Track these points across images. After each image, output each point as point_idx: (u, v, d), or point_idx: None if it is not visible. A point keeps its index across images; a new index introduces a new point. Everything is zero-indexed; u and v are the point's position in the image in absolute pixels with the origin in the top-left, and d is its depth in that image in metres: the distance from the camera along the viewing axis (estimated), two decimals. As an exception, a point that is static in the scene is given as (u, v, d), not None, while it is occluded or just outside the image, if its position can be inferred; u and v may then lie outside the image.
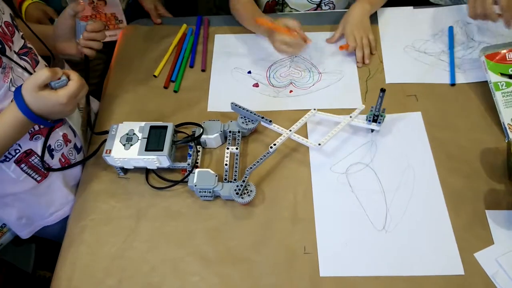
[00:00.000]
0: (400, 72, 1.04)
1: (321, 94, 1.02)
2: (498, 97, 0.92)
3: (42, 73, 0.67)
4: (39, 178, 0.84)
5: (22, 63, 0.78)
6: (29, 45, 0.82)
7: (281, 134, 0.89)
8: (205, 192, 0.84)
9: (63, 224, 0.90)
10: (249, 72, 1.08)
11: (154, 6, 1.23)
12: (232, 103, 0.93)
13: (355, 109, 0.98)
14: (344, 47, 1.05)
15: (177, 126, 0.92)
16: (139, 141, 0.84)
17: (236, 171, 0.87)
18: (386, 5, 1.17)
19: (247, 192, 0.83)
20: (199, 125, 0.92)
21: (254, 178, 0.88)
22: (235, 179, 0.86)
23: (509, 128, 0.89)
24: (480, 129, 0.93)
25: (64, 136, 0.88)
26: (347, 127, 0.94)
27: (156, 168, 0.87)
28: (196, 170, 0.86)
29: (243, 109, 0.92)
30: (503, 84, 0.92)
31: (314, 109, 0.92)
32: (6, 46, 0.73)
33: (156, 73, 1.09)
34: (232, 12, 1.16)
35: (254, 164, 0.83)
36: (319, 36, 1.13)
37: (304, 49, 1.00)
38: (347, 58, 1.08)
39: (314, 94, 1.02)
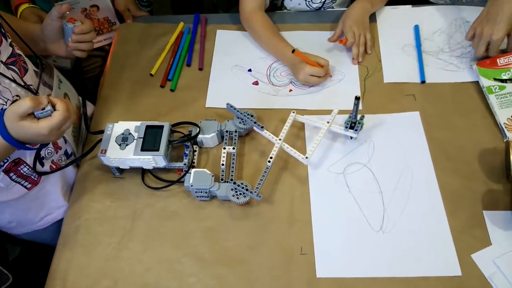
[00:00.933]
0: (399, 71, 1.03)
1: (320, 94, 1.02)
2: (492, 99, 0.92)
3: (24, 102, 0.64)
4: (29, 186, 0.83)
5: (9, 73, 0.75)
6: (18, 52, 0.80)
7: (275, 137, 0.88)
8: (201, 192, 0.84)
9: (55, 228, 0.89)
10: (250, 70, 1.07)
11: (126, 8, 1.21)
12: (227, 104, 0.92)
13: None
14: (343, 41, 1.04)
15: (173, 125, 0.91)
16: (134, 140, 0.84)
17: (232, 171, 0.87)
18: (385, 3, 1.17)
19: (244, 193, 0.82)
20: (196, 125, 0.91)
21: (251, 179, 0.88)
22: (231, 179, 0.86)
23: (506, 127, 0.89)
24: (478, 129, 0.93)
25: (55, 143, 0.87)
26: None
27: (152, 168, 0.86)
28: (193, 170, 0.85)
29: (238, 110, 0.91)
30: (496, 87, 0.93)
31: (293, 112, 0.91)
32: None
33: (152, 72, 1.08)
34: (246, 28, 1.13)
35: (261, 180, 0.83)
36: (320, 36, 1.12)
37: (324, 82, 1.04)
38: (348, 59, 1.07)
39: (314, 94, 1.02)
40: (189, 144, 0.89)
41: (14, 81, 0.76)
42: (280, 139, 0.87)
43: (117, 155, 0.82)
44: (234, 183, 0.83)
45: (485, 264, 0.76)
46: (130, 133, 0.84)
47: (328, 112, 0.97)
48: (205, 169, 0.85)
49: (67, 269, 0.80)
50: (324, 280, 0.77)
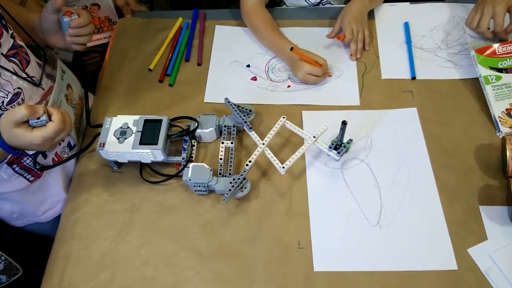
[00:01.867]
0: (396, 68, 1.04)
1: (319, 90, 1.02)
2: (489, 90, 0.92)
3: (19, 110, 0.63)
4: (31, 178, 0.83)
5: (10, 65, 0.75)
6: (20, 43, 0.80)
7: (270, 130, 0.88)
8: (199, 186, 0.84)
9: (56, 220, 0.89)
10: (248, 66, 1.07)
11: (125, 3, 1.20)
12: (225, 99, 0.92)
13: (351, 106, 0.98)
14: (341, 37, 1.05)
15: (172, 120, 0.91)
16: (133, 134, 0.84)
17: (231, 166, 0.87)
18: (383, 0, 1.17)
19: (242, 187, 0.83)
20: (194, 119, 0.91)
21: (249, 173, 0.88)
22: (230, 174, 0.86)
23: (500, 120, 0.90)
24: (475, 125, 0.93)
25: None
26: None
27: (150, 162, 0.86)
28: (191, 164, 0.85)
29: (233, 107, 0.91)
30: (493, 77, 0.93)
31: (283, 117, 0.89)
32: None
33: (151, 67, 1.08)
34: (246, 23, 1.13)
35: (236, 181, 0.82)
36: (318, 32, 1.12)
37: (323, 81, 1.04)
38: (346, 56, 1.08)
39: (312, 89, 1.02)
40: (187, 138, 0.89)
41: (15, 73, 0.75)
42: (263, 143, 0.86)
43: (116, 149, 0.82)
44: (234, 179, 0.83)
45: (481, 258, 0.76)
46: (128, 127, 0.84)
47: (325, 108, 0.97)
48: (203, 164, 0.85)
49: (65, 262, 0.80)
50: (321, 274, 0.77)
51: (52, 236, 0.86)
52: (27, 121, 0.66)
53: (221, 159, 0.87)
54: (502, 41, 0.98)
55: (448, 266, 0.76)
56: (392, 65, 1.05)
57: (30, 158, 0.81)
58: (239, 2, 1.13)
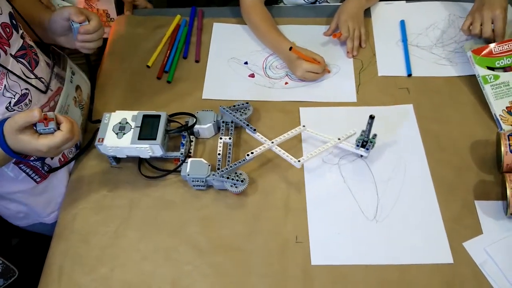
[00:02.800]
0: (393, 65, 1.05)
1: (316, 87, 1.03)
2: (488, 90, 0.93)
3: (18, 117, 0.63)
4: (38, 179, 0.84)
5: (18, 66, 0.75)
6: (29, 43, 0.79)
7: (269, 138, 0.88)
8: (198, 181, 0.84)
9: None
10: (246, 63, 1.08)
11: None
12: (221, 107, 0.93)
13: (348, 102, 0.99)
14: (338, 35, 1.06)
15: (170, 116, 0.92)
16: (132, 130, 0.84)
17: (229, 161, 0.87)
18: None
19: (240, 182, 0.83)
20: (193, 115, 0.92)
21: (247, 168, 0.88)
22: (222, 176, 0.86)
23: (502, 119, 0.91)
24: (471, 121, 0.94)
25: None
26: (341, 120, 0.95)
27: (149, 157, 0.87)
28: (189, 160, 0.86)
29: (230, 113, 0.91)
30: (491, 77, 0.94)
31: (303, 126, 0.90)
32: (1, 51, 0.70)
33: (149, 64, 1.08)
34: (245, 21, 1.14)
35: (231, 166, 0.83)
36: (315, 30, 1.13)
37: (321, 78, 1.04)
38: (343, 53, 1.09)
39: (309, 86, 1.03)
40: (185, 134, 0.90)
41: (23, 74, 0.75)
42: (272, 142, 0.86)
43: (114, 144, 0.83)
44: (228, 177, 0.84)
45: (477, 252, 0.77)
46: (127, 122, 0.85)
47: (322, 104, 0.98)
48: (201, 159, 0.86)
49: (64, 257, 0.80)
50: (318, 267, 0.78)
51: (49, 234, 0.86)
52: (32, 127, 0.65)
53: (219, 154, 0.88)
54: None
55: (444, 260, 0.77)
56: (389, 62, 1.06)
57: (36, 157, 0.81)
58: (235, 0, 1.14)
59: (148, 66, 1.08)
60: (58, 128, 0.67)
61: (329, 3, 1.21)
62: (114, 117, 0.86)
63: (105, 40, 1.16)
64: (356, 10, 1.09)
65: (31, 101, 0.78)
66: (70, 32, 0.83)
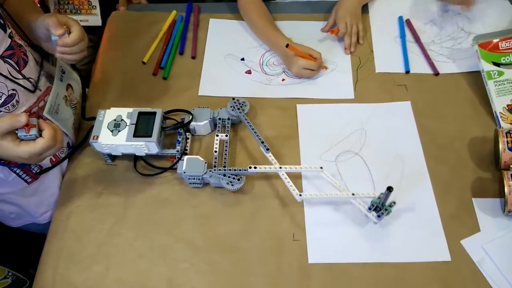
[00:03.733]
0: (390, 62, 1.04)
1: (313, 83, 1.02)
2: (491, 86, 0.93)
3: (1, 122, 0.61)
4: (29, 180, 0.82)
5: (5, 66, 0.73)
6: (19, 42, 0.77)
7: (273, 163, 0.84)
8: (194, 179, 0.83)
9: None
10: (243, 59, 1.07)
11: None
12: (234, 105, 0.90)
13: (346, 99, 0.98)
14: (335, 31, 1.05)
15: (166, 113, 0.91)
16: (127, 127, 0.83)
17: (225, 159, 0.87)
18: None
19: (237, 180, 0.82)
20: (189, 112, 0.91)
21: (244, 166, 0.88)
22: (224, 167, 0.86)
23: (501, 116, 0.90)
24: (468, 118, 0.94)
25: None
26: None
27: (144, 154, 0.86)
28: (185, 157, 0.85)
29: (248, 122, 0.89)
30: (495, 73, 0.93)
31: (321, 168, 0.83)
32: None
33: (145, 60, 1.07)
34: (242, 16, 1.13)
35: (230, 169, 0.82)
36: (313, 26, 1.12)
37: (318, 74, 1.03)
38: (341, 49, 1.08)
39: (306, 83, 1.02)
40: (181, 131, 0.89)
41: (10, 74, 0.73)
42: (280, 168, 0.83)
43: (109, 141, 0.82)
44: (224, 175, 0.83)
45: (474, 249, 0.77)
46: (122, 119, 0.84)
47: (319, 101, 0.97)
48: (198, 156, 0.85)
49: (58, 255, 0.80)
50: (315, 265, 0.77)
51: (44, 232, 0.85)
52: (14, 132, 0.64)
53: (215, 151, 0.87)
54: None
55: (442, 258, 0.77)
56: (386, 59, 1.05)
57: None
58: None
59: (143, 62, 1.07)
60: (40, 135, 0.65)
61: None
62: (109, 114, 0.84)
63: (100, 35, 1.15)
64: (354, 6, 1.08)
65: (18, 101, 0.76)
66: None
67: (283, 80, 1.03)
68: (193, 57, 1.08)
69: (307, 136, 0.92)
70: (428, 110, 0.96)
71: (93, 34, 1.22)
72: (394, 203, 0.78)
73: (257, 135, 0.86)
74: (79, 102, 0.94)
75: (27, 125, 0.64)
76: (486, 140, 0.90)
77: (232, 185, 0.82)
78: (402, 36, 1.08)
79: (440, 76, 1.01)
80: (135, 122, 0.83)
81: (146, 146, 0.82)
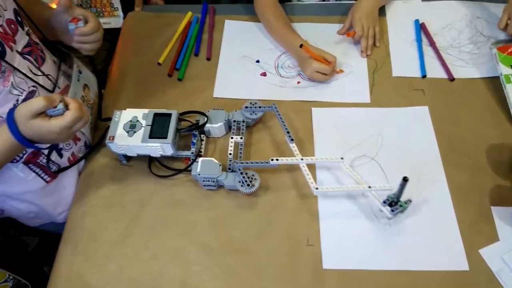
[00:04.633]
0: (407, 66, 1.03)
1: (329, 86, 1.01)
2: (509, 89, 0.91)
3: (37, 101, 0.63)
4: (48, 179, 0.83)
5: (25, 63, 0.74)
6: (35, 40, 0.79)
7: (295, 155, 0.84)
8: (208, 181, 0.83)
9: None
10: (258, 61, 1.07)
11: None
12: (273, 104, 0.90)
13: (362, 103, 0.97)
14: (351, 34, 1.04)
15: (181, 114, 0.91)
16: (142, 128, 0.83)
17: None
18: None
19: (251, 182, 0.82)
20: (204, 114, 0.91)
21: (258, 168, 0.87)
22: (239, 169, 0.85)
23: None
24: (487, 124, 0.92)
25: None
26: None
27: (159, 156, 0.86)
28: (200, 159, 0.85)
29: (280, 118, 0.89)
30: None
31: (342, 158, 0.84)
32: (6, 48, 0.70)
33: (160, 61, 1.07)
34: (259, 17, 1.13)
35: (252, 163, 0.82)
36: (329, 28, 1.12)
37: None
38: (357, 53, 1.07)
39: (322, 86, 1.01)
40: (196, 133, 0.89)
41: (30, 71, 0.75)
42: (302, 159, 0.83)
43: (125, 142, 0.82)
44: (241, 172, 0.83)
45: (493, 259, 0.75)
46: (138, 121, 0.84)
47: (335, 105, 0.96)
48: (212, 158, 0.85)
49: (73, 253, 0.80)
50: (330, 271, 0.76)
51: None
52: (43, 112, 0.65)
53: (230, 154, 0.87)
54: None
55: (459, 267, 0.75)
56: (403, 62, 1.04)
57: (45, 157, 0.80)
58: None
59: (159, 63, 1.07)
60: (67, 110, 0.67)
61: (341, 1, 1.19)
62: (125, 115, 0.85)
63: (115, 36, 1.16)
64: (371, 8, 1.07)
65: None
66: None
67: (298, 82, 1.03)
68: (208, 59, 1.08)
69: (322, 140, 0.91)
70: (446, 115, 0.94)
71: (109, 35, 1.23)
72: (410, 201, 0.77)
73: (284, 124, 0.87)
74: (95, 102, 0.95)
75: None
76: (504, 146, 0.88)
77: (247, 187, 0.81)
78: (418, 40, 1.07)
79: (458, 80, 1.00)
80: (150, 123, 0.83)
81: (161, 148, 0.82)
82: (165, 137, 0.81)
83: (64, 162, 0.86)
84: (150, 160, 0.90)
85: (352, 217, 0.82)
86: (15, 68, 0.71)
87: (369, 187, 0.80)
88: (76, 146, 0.88)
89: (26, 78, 0.73)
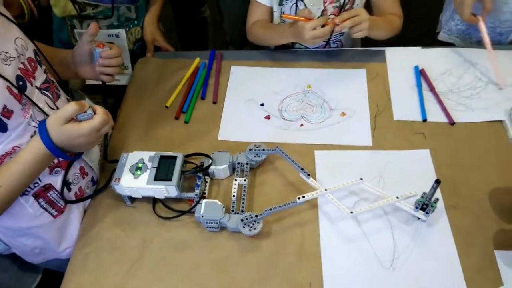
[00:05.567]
0: (408, 110, 1.05)
1: (331, 129, 1.03)
2: None
3: (70, 106, 0.69)
4: (55, 213, 0.85)
5: (43, 98, 0.80)
6: (51, 79, 0.85)
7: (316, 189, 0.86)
8: (212, 223, 0.84)
9: None
10: (262, 105, 1.10)
11: (152, 38, 1.26)
12: (277, 147, 0.93)
13: (364, 146, 0.99)
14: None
15: (186, 156, 0.93)
16: (148, 170, 0.85)
17: (243, 203, 0.87)
18: (394, 44, 1.20)
19: (254, 225, 0.83)
20: (208, 156, 0.93)
21: (261, 211, 0.88)
22: (242, 211, 0.86)
23: None
24: (488, 168, 0.93)
25: (81, 169, 0.90)
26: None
27: (164, 197, 0.87)
28: (204, 201, 0.86)
29: (288, 157, 0.91)
30: None
31: (361, 179, 0.87)
32: (27, 83, 0.76)
33: (168, 104, 1.11)
34: (250, 39, 1.22)
35: (276, 207, 0.82)
36: (332, 74, 1.15)
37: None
38: (359, 97, 1.09)
39: (325, 129, 1.03)
40: (201, 175, 0.90)
41: (48, 105, 0.80)
42: (326, 189, 0.85)
43: (131, 184, 0.84)
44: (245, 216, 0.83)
45: (498, 305, 0.74)
46: (144, 163, 0.86)
47: (337, 148, 0.98)
48: (216, 200, 0.86)
49: (74, 297, 0.80)
50: (333, 317, 0.75)
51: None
52: (73, 118, 0.71)
53: (234, 196, 0.88)
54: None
55: (464, 313, 0.74)
56: (404, 107, 1.06)
57: (56, 192, 0.83)
58: (250, 45, 1.18)
59: (166, 107, 1.11)
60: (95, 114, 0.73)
61: (341, 42, 1.24)
62: (132, 157, 0.87)
63: (123, 87, 1.20)
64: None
65: None
66: (91, 61, 0.92)
67: (301, 125, 1.05)
68: (214, 102, 1.12)
69: (325, 182, 0.92)
70: (448, 159, 0.95)
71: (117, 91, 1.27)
72: (437, 199, 0.81)
73: (295, 163, 0.89)
74: (102, 141, 0.98)
75: None
76: (507, 190, 0.89)
77: (250, 229, 0.82)
78: (419, 85, 1.10)
79: (459, 124, 1.01)
80: (156, 166, 0.85)
81: (166, 190, 0.84)
82: (170, 179, 0.83)
83: (71, 196, 0.88)
84: (154, 201, 0.91)
85: (355, 261, 0.81)
86: (33, 103, 0.76)
87: (397, 197, 0.84)
88: (83, 180, 0.91)
89: (42, 112, 0.78)
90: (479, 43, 1.18)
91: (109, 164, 0.98)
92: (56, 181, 0.83)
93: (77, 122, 0.71)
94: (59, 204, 0.85)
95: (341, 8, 1.13)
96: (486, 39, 1.06)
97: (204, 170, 0.90)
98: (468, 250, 0.81)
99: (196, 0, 1.78)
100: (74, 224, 0.90)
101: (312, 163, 0.96)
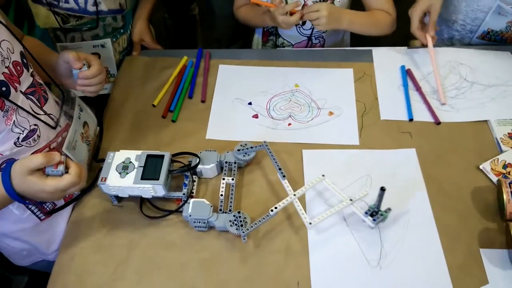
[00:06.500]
0: (395, 109, 1.06)
1: (318, 129, 1.04)
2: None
3: (36, 158, 0.65)
4: (42, 217, 0.83)
5: (28, 102, 0.77)
6: (39, 81, 0.82)
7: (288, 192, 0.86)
8: (199, 222, 0.84)
9: None
10: (250, 103, 1.10)
11: (139, 39, 1.24)
12: (264, 142, 0.93)
13: (351, 145, 0.99)
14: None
15: (173, 155, 0.92)
16: (135, 169, 0.84)
17: (231, 202, 0.87)
18: (381, 44, 1.21)
19: (242, 223, 0.82)
20: (196, 155, 0.92)
21: (249, 210, 0.88)
22: (230, 210, 0.86)
23: (502, 141, 0.96)
24: (473, 167, 0.94)
25: None
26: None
27: (151, 197, 0.86)
28: (191, 200, 0.85)
29: (271, 153, 0.91)
30: None
31: (323, 176, 0.89)
32: (11, 88, 0.72)
33: (155, 103, 1.10)
34: (239, 18, 1.29)
35: (256, 223, 0.81)
36: (317, 73, 1.16)
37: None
38: (346, 95, 1.10)
39: (312, 128, 1.04)
40: (188, 174, 0.90)
41: (32, 110, 0.77)
42: (294, 195, 0.85)
43: (117, 183, 0.83)
44: (235, 213, 0.83)
45: (483, 302, 0.75)
46: (130, 162, 0.85)
47: (325, 147, 0.99)
48: (203, 199, 0.85)
49: (60, 298, 0.79)
50: (320, 315, 0.76)
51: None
52: (41, 169, 0.66)
53: (221, 195, 0.88)
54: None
55: (450, 310, 0.75)
56: (391, 106, 1.07)
57: None
58: (239, 43, 1.18)
59: (154, 105, 1.10)
60: (67, 172, 0.68)
61: (323, 39, 1.25)
62: (118, 156, 0.86)
63: (103, 102, 1.17)
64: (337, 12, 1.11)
65: (39, 136, 0.79)
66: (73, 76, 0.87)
67: (289, 124, 1.05)
68: (203, 101, 1.11)
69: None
70: (433, 158, 0.96)
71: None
72: (390, 209, 0.81)
73: (276, 162, 0.89)
74: (93, 139, 0.96)
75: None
76: (490, 189, 0.90)
77: (237, 229, 0.82)
78: (405, 85, 1.11)
79: (444, 124, 1.03)
80: (143, 165, 0.84)
81: (153, 189, 0.83)
82: (157, 179, 0.82)
83: (60, 201, 0.86)
84: (141, 200, 0.90)
85: (342, 260, 0.82)
86: (18, 107, 0.73)
87: (351, 199, 0.85)
88: None
89: (29, 116, 0.76)
90: (451, 40, 1.23)
91: (95, 164, 0.97)
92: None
93: (43, 175, 0.67)
94: (47, 208, 0.83)
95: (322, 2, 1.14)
96: (432, 57, 1.12)
97: (191, 169, 0.90)
98: (454, 248, 0.82)
99: (187, -2, 1.78)
100: (62, 226, 0.89)
101: (300, 162, 0.97)
